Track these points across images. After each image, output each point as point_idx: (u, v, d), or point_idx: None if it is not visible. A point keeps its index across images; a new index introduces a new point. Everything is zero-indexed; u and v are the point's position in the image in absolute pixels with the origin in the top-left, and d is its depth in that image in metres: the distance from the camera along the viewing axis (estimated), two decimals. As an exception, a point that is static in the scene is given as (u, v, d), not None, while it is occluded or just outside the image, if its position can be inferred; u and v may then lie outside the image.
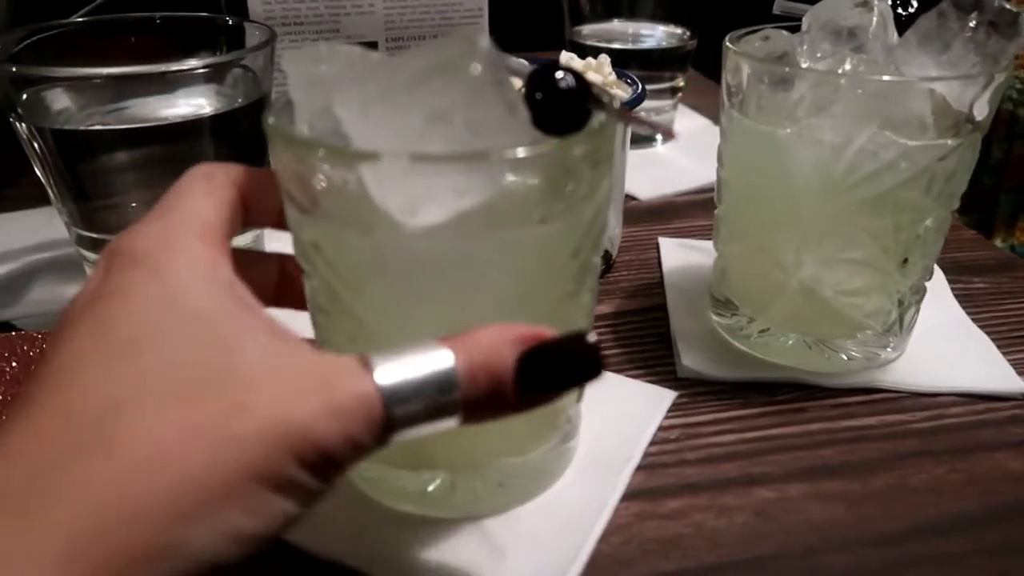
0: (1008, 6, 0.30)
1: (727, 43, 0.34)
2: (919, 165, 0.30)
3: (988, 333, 0.38)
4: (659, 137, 0.63)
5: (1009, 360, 0.36)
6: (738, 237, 0.36)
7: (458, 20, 0.49)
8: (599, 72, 0.42)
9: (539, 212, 0.22)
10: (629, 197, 0.53)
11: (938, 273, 0.43)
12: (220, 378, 0.17)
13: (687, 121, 0.66)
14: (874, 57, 0.32)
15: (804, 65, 0.33)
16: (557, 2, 0.63)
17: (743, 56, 0.32)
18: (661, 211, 0.52)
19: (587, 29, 0.63)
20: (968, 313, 0.40)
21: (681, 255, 0.45)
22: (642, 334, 0.38)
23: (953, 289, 0.42)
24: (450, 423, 0.19)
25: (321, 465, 0.18)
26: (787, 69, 0.32)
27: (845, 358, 0.35)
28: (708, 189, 0.54)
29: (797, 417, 0.33)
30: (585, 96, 0.21)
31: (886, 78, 0.30)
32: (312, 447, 0.17)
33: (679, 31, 0.62)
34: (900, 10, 0.34)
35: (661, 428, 0.32)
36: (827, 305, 0.33)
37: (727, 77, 0.34)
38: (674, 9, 0.62)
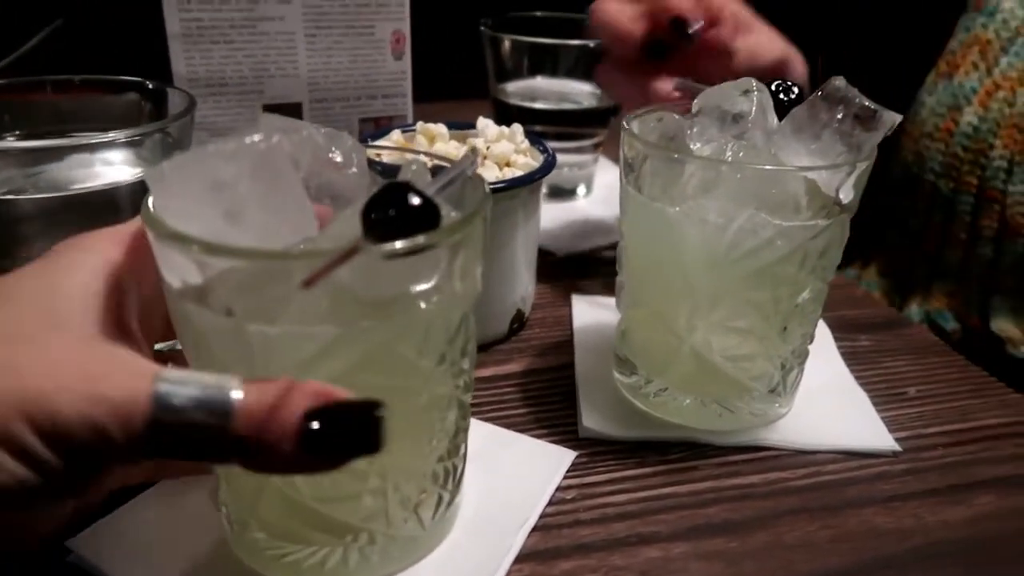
0: (865, 105, 0.33)
1: (624, 123, 0.36)
2: (793, 243, 0.33)
3: (868, 390, 0.41)
4: (580, 190, 0.66)
5: (884, 417, 0.39)
6: (637, 303, 0.38)
7: (383, 82, 0.51)
8: (512, 140, 0.44)
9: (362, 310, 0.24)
10: (546, 252, 0.55)
11: (827, 331, 0.46)
12: (25, 339, 0.21)
13: (607, 175, 0.69)
14: (754, 143, 0.35)
15: (694, 147, 0.36)
16: (483, 60, 0.66)
17: (636, 138, 0.35)
18: (577, 266, 0.55)
19: (511, 87, 0.65)
20: (852, 370, 0.43)
21: (592, 313, 0.47)
22: (549, 393, 0.40)
23: (840, 346, 0.45)
24: (222, 454, 0.20)
25: (58, 441, 0.19)
26: (675, 155, 0.34)
27: (735, 417, 0.37)
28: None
29: (687, 476, 0.35)
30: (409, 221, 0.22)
31: (765, 167, 0.33)
32: (48, 419, 0.19)
33: (602, 92, 0.65)
34: (783, 96, 0.37)
35: (560, 488, 0.34)
36: (717, 369, 0.36)
37: (624, 154, 0.36)
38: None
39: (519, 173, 0.42)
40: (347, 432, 0.20)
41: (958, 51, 0.60)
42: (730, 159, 0.34)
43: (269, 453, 0.20)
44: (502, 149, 0.43)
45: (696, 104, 0.37)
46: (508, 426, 0.37)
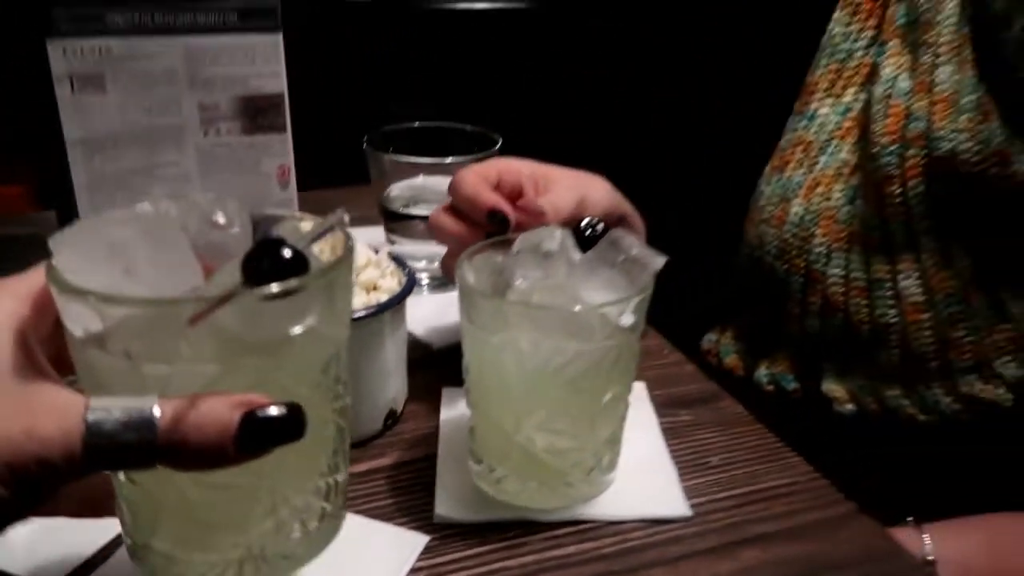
0: (637, 252, 0.43)
1: (458, 263, 0.45)
2: (591, 360, 0.42)
3: (679, 461, 0.50)
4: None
5: (688, 485, 0.48)
6: (477, 406, 0.46)
7: (275, 200, 0.58)
8: (378, 267, 0.52)
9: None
10: (423, 344, 0.63)
11: (651, 409, 0.56)
12: None
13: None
14: (558, 281, 0.43)
15: (516, 282, 0.44)
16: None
17: (464, 280, 0.43)
18: (453, 358, 0.63)
19: (396, 188, 0.73)
20: (669, 443, 0.52)
21: (459, 405, 0.56)
22: (413, 483, 0.48)
23: (663, 422, 0.54)
24: (151, 463, 0.25)
25: (9, 478, 0.24)
26: (488, 296, 0.43)
27: (560, 496, 0.46)
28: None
29: (518, 551, 0.43)
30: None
31: (561, 309, 0.41)
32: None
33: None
34: (588, 233, 0.46)
35: (413, 570, 0.41)
36: (541, 460, 0.44)
37: (459, 284, 0.45)
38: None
39: (384, 297, 0.50)
40: (274, 428, 0.26)
41: (787, 149, 0.71)
42: (536, 299, 0.43)
43: (200, 455, 0.25)
44: (368, 276, 0.51)
45: (516, 244, 0.46)
46: (376, 516, 0.45)
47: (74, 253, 0.28)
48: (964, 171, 0.57)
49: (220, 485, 0.29)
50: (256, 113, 0.57)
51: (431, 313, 0.68)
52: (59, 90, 0.48)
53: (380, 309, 0.48)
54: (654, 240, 0.72)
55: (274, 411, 0.26)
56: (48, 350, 0.30)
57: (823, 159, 0.67)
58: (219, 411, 0.25)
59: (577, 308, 0.42)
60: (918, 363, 0.61)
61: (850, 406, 0.66)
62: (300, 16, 0.65)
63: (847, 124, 0.67)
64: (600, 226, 0.46)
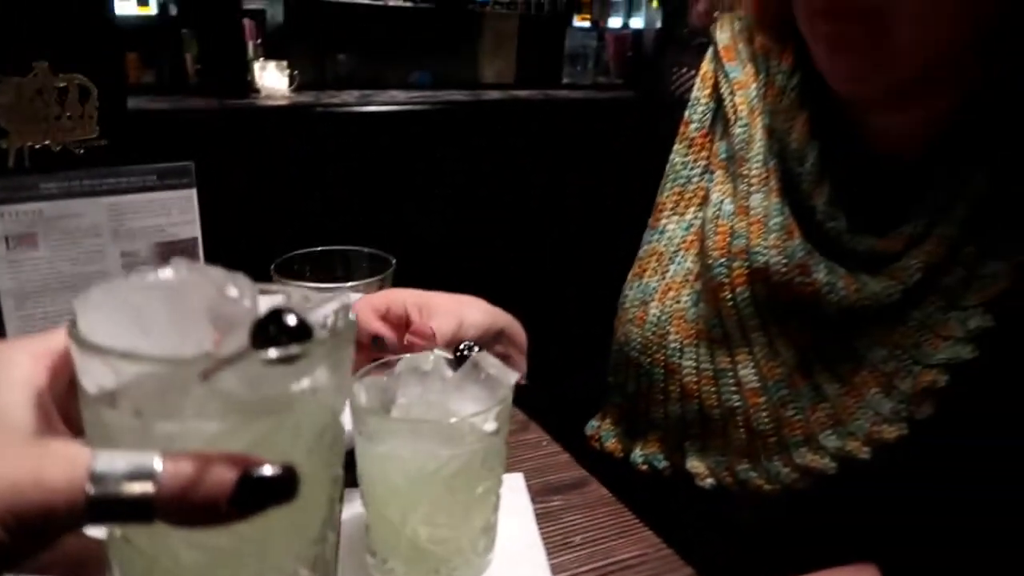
0: (495, 371, 0.52)
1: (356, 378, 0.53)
2: (463, 462, 0.51)
3: (548, 542, 0.59)
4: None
5: (555, 562, 0.57)
6: (370, 504, 0.54)
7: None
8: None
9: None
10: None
11: (526, 497, 0.64)
12: None
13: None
14: (433, 397, 0.53)
15: (400, 400, 0.53)
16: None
17: (352, 396, 0.52)
18: (350, 464, 0.70)
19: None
20: (540, 526, 0.61)
21: (356, 505, 0.63)
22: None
23: (537, 508, 0.63)
24: (150, 517, 0.26)
25: (12, 523, 0.25)
26: (373, 413, 0.52)
27: None
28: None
29: (407, 631, 0.51)
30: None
31: (447, 421, 0.51)
32: (8, 511, 0.24)
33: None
34: (464, 354, 0.55)
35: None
36: (426, 550, 0.52)
37: (350, 403, 0.53)
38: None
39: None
40: (268, 488, 0.27)
41: (644, 258, 0.80)
42: (415, 413, 0.52)
43: (196, 512, 0.25)
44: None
45: (399, 366, 0.55)
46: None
47: (95, 314, 0.30)
48: (776, 280, 0.69)
49: (211, 547, 0.30)
50: (172, 255, 0.65)
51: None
52: (-6, 253, 0.55)
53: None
54: (538, 342, 0.83)
55: (269, 471, 0.27)
56: (60, 409, 0.31)
57: (672, 268, 0.77)
58: (218, 468, 0.26)
59: (451, 420, 0.51)
60: (760, 439, 0.71)
61: (710, 480, 0.76)
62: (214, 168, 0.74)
63: (690, 238, 0.77)
64: (475, 348, 0.56)
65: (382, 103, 2.53)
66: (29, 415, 0.29)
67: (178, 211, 0.64)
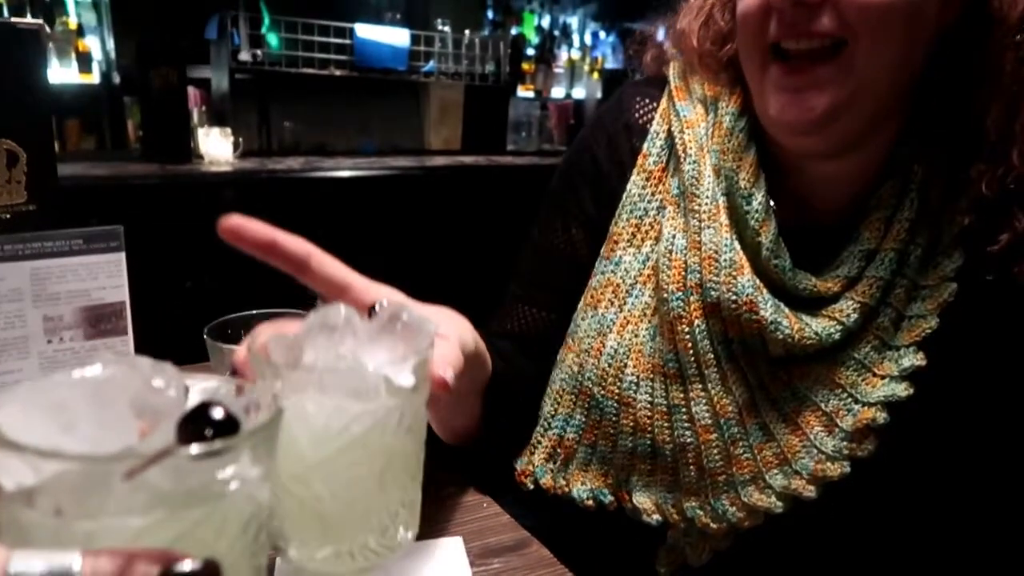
0: (410, 319, 0.46)
1: (253, 338, 0.47)
2: (375, 420, 0.45)
3: (487, 607, 0.58)
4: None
5: (493, 628, 0.55)
6: (274, 481, 0.46)
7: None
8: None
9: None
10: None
11: (465, 560, 0.63)
12: None
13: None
14: (344, 350, 0.46)
15: (306, 354, 0.46)
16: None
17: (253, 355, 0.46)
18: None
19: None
20: (480, 592, 0.60)
21: (293, 572, 0.61)
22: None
23: (476, 572, 0.62)
24: None
25: None
26: (276, 365, 0.44)
27: (365, 558, 0.47)
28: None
29: None
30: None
31: (357, 371, 0.44)
32: None
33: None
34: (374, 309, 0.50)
35: None
36: (339, 522, 0.46)
37: (252, 363, 0.46)
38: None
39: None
40: None
41: (598, 289, 0.78)
42: (323, 367, 0.45)
43: None
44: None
45: (305, 323, 0.47)
46: None
47: (15, 410, 0.30)
48: (726, 315, 0.70)
49: None
50: (98, 320, 0.63)
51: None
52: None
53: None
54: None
55: (190, 566, 0.27)
56: None
57: (631, 301, 0.76)
58: (139, 565, 0.26)
59: (360, 370, 0.45)
60: (709, 477, 0.71)
61: (656, 516, 0.75)
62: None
63: (647, 272, 0.76)
64: (385, 302, 0.50)
65: (328, 169, 2.54)
66: None
67: (105, 275, 0.63)
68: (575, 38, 3.99)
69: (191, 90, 2.60)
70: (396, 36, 3.00)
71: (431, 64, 3.15)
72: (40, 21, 2.23)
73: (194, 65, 2.63)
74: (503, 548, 0.66)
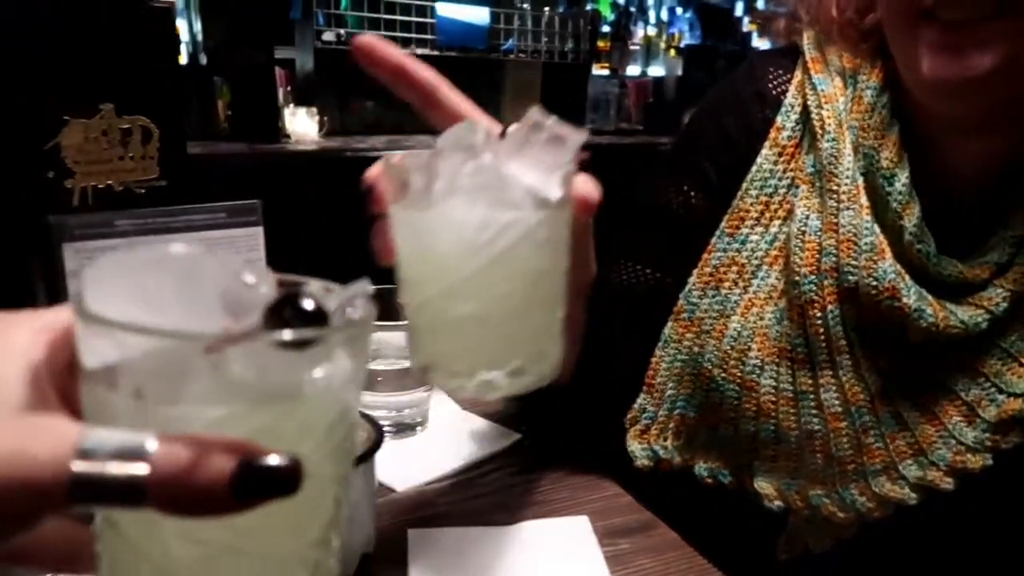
0: (558, 129, 0.44)
1: (384, 162, 0.46)
2: (521, 229, 0.43)
3: (621, 586, 0.57)
4: (418, 426, 0.82)
5: (630, 607, 0.55)
6: (416, 297, 0.46)
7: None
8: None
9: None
10: (389, 489, 0.70)
11: (593, 539, 0.63)
12: None
13: (440, 407, 0.85)
14: (488, 162, 0.44)
15: (443, 174, 0.43)
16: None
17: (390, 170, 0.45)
18: (415, 502, 0.69)
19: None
20: (611, 568, 0.59)
21: (425, 544, 0.62)
22: (388, 622, 0.54)
23: (605, 551, 0.62)
24: (139, 501, 0.24)
25: None
26: (426, 170, 0.43)
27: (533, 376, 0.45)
28: (457, 473, 0.73)
29: None
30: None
31: (492, 177, 0.42)
32: None
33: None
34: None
35: None
36: (483, 338, 0.45)
37: (390, 176, 0.45)
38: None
39: (359, 452, 0.57)
40: (269, 478, 0.25)
41: (720, 267, 0.75)
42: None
43: (190, 499, 0.24)
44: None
45: (438, 144, 0.45)
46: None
47: (102, 287, 0.28)
48: (864, 301, 0.67)
49: (204, 540, 0.28)
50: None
51: (394, 457, 0.75)
52: (70, 286, 0.55)
53: (355, 462, 0.55)
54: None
55: (272, 461, 0.25)
56: (58, 389, 0.30)
57: (756, 282, 0.73)
58: (216, 454, 0.24)
59: (511, 178, 0.43)
60: (837, 465, 0.69)
61: (778, 502, 0.73)
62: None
63: (774, 253, 0.73)
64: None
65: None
66: (22, 389, 0.28)
67: (246, 248, 0.64)
68: (651, 15, 3.91)
69: (278, 71, 2.65)
70: (476, 14, 2.99)
71: (510, 42, 3.13)
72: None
73: (279, 46, 2.68)
74: (629, 529, 0.65)
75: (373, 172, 0.49)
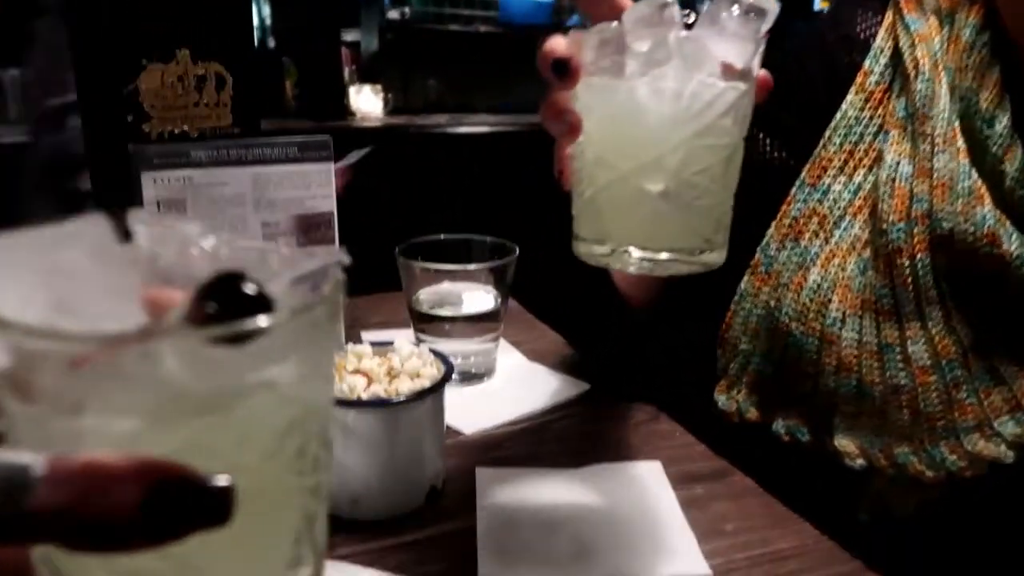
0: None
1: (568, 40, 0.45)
2: (731, 98, 0.43)
3: (696, 529, 0.55)
4: (485, 375, 0.81)
5: (706, 548, 0.53)
6: (600, 168, 0.46)
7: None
8: (420, 357, 0.59)
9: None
10: (457, 432, 0.69)
11: (667, 483, 0.61)
12: None
13: (506, 357, 0.84)
14: (692, 34, 0.43)
15: (636, 48, 0.43)
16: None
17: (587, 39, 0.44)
18: (484, 444, 0.68)
19: (423, 293, 0.81)
20: (687, 513, 0.57)
21: (493, 482, 0.61)
22: (459, 550, 0.53)
23: (679, 495, 0.60)
24: (24, 534, 0.20)
25: None
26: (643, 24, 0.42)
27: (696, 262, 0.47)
28: (525, 419, 0.72)
29: (558, 607, 0.48)
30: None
31: (700, 45, 0.42)
32: None
33: (496, 296, 0.82)
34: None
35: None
36: (682, 213, 0.45)
37: (586, 56, 0.44)
38: (492, 282, 0.82)
39: (427, 383, 0.56)
40: (189, 506, 0.20)
41: (800, 218, 0.73)
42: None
43: (88, 535, 0.19)
44: (413, 364, 0.58)
45: (624, 20, 0.44)
46: (427, 581, 0.50)
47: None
48: (960, 248, 0.64)
49: (132, 572, 0.23)
50: (309, 228, 0.65)
51: (461, 403, 0.74)
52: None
53: (426, 393, 0.55)
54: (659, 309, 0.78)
55: (191, 485, 0.20)
56: None
57: (838, 232, 0.71)
58: (118, 479, 0.19)
59: (713, 45, 0.42)
60: (926, 422, 0.66)
61: (860, 461, 0.70)
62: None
63: (858, 202, 0.70)
64: None
65: (472, 124, 2.56)
66: None
67: (316, 184, 0.64)
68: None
69: (343, 50, 2.68)
70: (541, -10, 2.97)
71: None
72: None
73: (345, 28, 2.71)
74: (703, 475, 0.63)
75: (563, 44, 0.46)
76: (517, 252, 0.81)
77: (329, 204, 0.65)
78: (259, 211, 0.61)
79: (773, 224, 0.74)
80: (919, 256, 0.65)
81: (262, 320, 0.22)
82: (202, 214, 0.58)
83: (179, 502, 0.20)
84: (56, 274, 0.23)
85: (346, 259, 0.26)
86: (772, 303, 0.73)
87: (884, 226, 0.66)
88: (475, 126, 2.56)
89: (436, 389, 0.56)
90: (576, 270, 0.73)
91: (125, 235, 0.25)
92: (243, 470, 0.22)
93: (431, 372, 0.58)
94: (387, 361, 0.59)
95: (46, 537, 0.20)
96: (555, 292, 0.83)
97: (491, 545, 0.53)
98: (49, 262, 0.23)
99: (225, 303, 0.22)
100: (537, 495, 0.59)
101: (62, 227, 0.23)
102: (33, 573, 0.25)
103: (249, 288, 0.22)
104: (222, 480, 0.20)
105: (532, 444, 0.68)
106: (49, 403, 0.22)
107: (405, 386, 0.56)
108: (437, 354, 0.61)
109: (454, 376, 0.80)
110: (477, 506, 0.58)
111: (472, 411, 0.73)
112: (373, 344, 0.61)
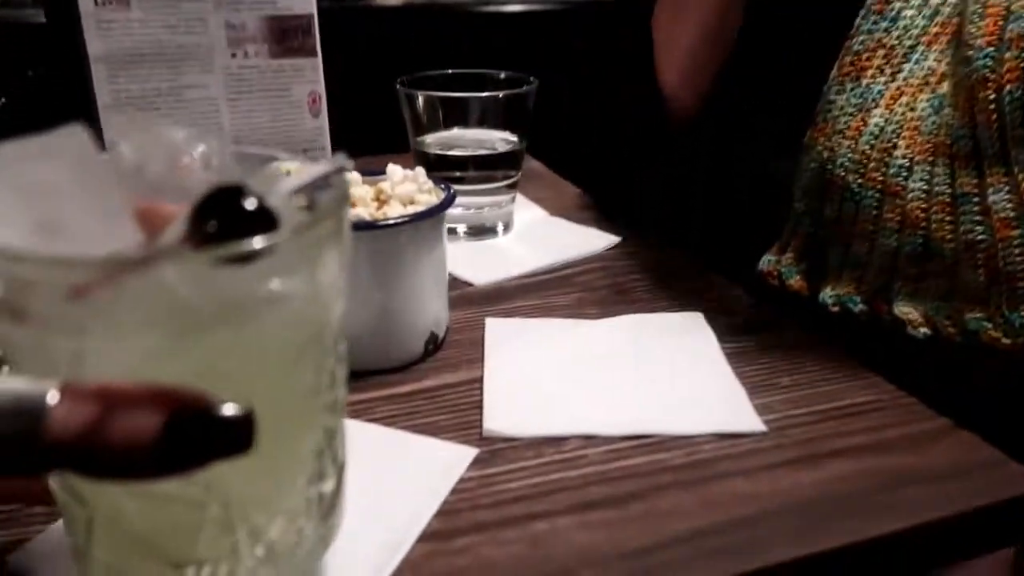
0: None
1: None
2: None
3: (747, 383, 0.46)
4: (499, 228, 0.71)
5: (758, 403, 0.44)
6: None
7: (302, 139, 0.56)
8: (415, 181, 0.49)
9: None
10: (464, 283, 0.60)
11: (711, 334, 0.52)
12: None
13: (524, 212, 0.74)
14: None
15: None
16: (401, 117, 0.71)
17: None
18: (493, 295, 0.59)
19: (430, 138, 0.71)
20: (734, 366, 0.48)
21: (504, 331, 0.52)
22: (459, 402, 0.44)
23: (725, 348, 0.50)
24: (40, 465, 0.19)
25: None
26: None
27: None
28: (538, 273, 0.62)
29: (577, 463, 0.39)
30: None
31: None
32: None
33: (513, 137, 0.71)
34: None
35: (461, 480, 0.38)
36: None
37: None
38: (507, 119, 0.71)
39: (422, 209, 0.47)
40: (209, 436, 0.19)
41: (863, 53, 0.63)
42: None
43: (105, 464, 0.19)
44: (406, 189, 0.48)
45: None
46: (419, 432, 0.41)
47: None
48: None
49: (159, 496, 0.23)
50: (284, 35, 0.54)
51: (469, 255, 0.65)
52: (82, 4, 0.46)
53: (418, 217, 0.45)
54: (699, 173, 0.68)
55: (212, 415, 0.19)
56: None
57: (908, 67, 0.61)
58: (135, 410, 0.19)
59: None
60: (1005, 283, 0.56)
61: (924, 329, 0.61)
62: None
63: (934, 29, 0.61)
64: None
65: (499, 4, 2.39)
66: None
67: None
68: None
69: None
70: None
71: None
72: None
73: None
74: (751, 327, 0.54)
75: None
76: (536, 83, 0.70)
77: (308, 6, 0.55)
78: (220, 8, 0.51)
79: (836, 65, 0.64)
80: (1008, 88, 0.54)
81: (267, 239, 0.21)
82: (149, 8, 0.48)
83: (199, 432, 0.19)
84: (36, 191, 0.21)
85: (349, 165, 0.25)
86: (825, 155, 0.63)
87: (968, 52, 0.55)
88: (502, 5, 2.39)
89: (433, 214, 0.46)
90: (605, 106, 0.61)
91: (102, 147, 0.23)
92: (261, 394, 0.20)
93: (428, 199, 0.49)
94: (376, 190, 0.49)
95: (63, 466, 0.19)
96: (581, 143, 0.71)
97: (500, 399, 0.44)
98: (26, 179, 0.21)
99: (226, 220, 0.20)
100: (556, 346, 0.50)
101: (36, 140, 0.21)
102: (51, 499, 0.25)
103: (250, 203, 0.21)
104: (242, 409, 0.19)
105: (552, 296, 0.59)
106: (48, 327, 0.21)
107: (396, 212, 0.47)
108: (437, 181, 0.51)
109: (464, 230, 0.71)
110: (484, 355, 0.49)
111: (483, 263, 0.64)
112: (364, 173, 0.51)
